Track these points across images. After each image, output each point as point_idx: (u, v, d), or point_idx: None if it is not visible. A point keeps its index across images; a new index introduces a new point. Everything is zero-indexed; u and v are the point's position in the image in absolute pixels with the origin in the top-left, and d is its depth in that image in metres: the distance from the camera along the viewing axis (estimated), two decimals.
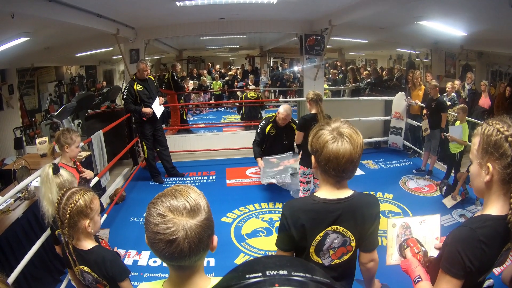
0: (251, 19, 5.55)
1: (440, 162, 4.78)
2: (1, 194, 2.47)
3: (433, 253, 1.19)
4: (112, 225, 3.48)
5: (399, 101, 5.46)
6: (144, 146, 4.47)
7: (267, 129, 3.83)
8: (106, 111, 6.70)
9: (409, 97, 5.36)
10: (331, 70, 9.87)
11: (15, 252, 2.35)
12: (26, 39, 4.49)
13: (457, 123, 3.92)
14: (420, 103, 5.05)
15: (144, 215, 0.78)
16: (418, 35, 6.37)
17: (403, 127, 5.47)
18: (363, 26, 6.08)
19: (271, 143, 3.87)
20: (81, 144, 2.58)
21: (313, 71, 5.91)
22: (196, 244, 0.73)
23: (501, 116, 0.96)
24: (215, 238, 0.81)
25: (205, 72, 11.12)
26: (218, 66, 11.90)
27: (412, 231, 1.26)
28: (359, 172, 4.79)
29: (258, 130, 3.88)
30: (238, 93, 9.84)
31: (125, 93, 4.25)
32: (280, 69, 11.44)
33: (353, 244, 1.24)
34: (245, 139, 5.26)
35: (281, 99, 9.03)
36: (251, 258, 2.73)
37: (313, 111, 3.10)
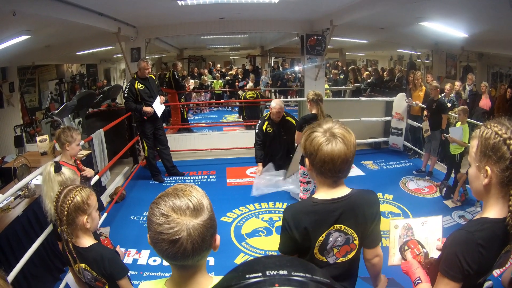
0: (252, 18, 5.55)
1: (440, 163, 4.77)
2: (1, 192, 2.46)
3: (435, 254, 1.19)
4: (112, 224, 3.49)
5: (399, 102, 5.46)
6: (145, 145, 4.47)
7: (264, 127, 3.86)
8: (106, 109, 6.68)
9: (409, 98, 5.36)
10: (332, 70, 9.87)
11: (15, 251, 2.35)
12: (27, 37, 4.48)
13: (458, 124, 3.91)
14: (420, 104, 5.05)
15: (146, 214, 0.78)
16: (419, 35, 6.35)
17: (404, 128, 5.46)
18: (364, 26, 6.07)
19: (270, 141, 3.89)
20: (82, 142, 2.58)
21: (314, 71, 5.90)
22: (199, 243, 0.73)
23: (499, 118, 0.95)
24: (218, 237, 0.81)
25: (206, 71, 11.13)
26: (219, 65, 11.90)
27: (414, 232, 1.26)
28: (359, 172, 4.79)
29: (257, 131, 3.91)
30: (240, 92, 9.85)
31: (126, 92, 4.25)
32: (281, 69, 11.43)
33: (356, 242, 1.24)
34: (246, 138, 5.27)
35: (281, 99, 9.03)
36: (251, 258, 2.74)
37: (314, 111, 3.10)
